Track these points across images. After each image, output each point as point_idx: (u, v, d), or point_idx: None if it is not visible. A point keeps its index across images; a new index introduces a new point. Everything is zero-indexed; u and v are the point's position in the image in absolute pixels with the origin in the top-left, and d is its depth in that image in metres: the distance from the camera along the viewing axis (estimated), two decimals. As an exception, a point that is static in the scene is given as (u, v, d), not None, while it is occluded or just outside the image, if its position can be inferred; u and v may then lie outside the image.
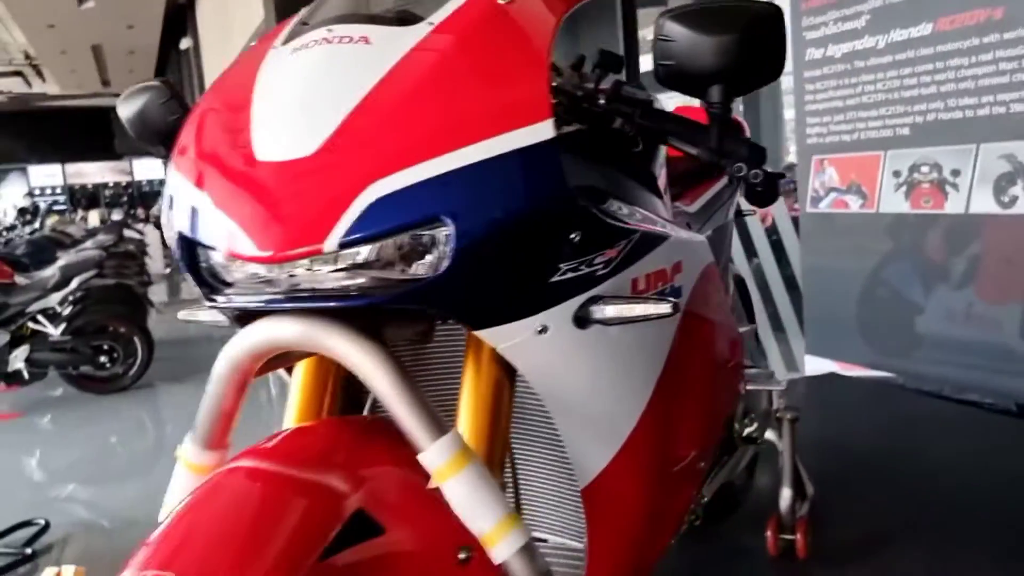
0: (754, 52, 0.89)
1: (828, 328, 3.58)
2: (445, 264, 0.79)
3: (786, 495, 1.94)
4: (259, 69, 0.89)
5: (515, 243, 0.81)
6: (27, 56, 15.63)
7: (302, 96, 0.83)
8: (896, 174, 3.22)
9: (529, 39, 0.87)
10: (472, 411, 0.91)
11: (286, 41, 0.92)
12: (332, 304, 0.80)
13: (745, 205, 4.50)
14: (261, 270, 0.81)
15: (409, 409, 0.80)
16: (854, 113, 3.35)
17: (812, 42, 3.50)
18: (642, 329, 0.99)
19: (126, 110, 1.09)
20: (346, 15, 0.91)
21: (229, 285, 0.85)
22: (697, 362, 1.21)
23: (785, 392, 2.03)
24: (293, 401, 0.99)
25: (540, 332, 0.86)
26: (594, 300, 0.90)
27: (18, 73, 17.42)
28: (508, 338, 0.86)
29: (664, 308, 0.91)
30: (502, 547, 0.80)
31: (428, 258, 0.79)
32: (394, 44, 0.85)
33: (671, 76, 0.91)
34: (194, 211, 0.84)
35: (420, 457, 0.80)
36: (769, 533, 1.92)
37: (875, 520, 2.09)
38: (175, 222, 0.86)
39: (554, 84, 1.00)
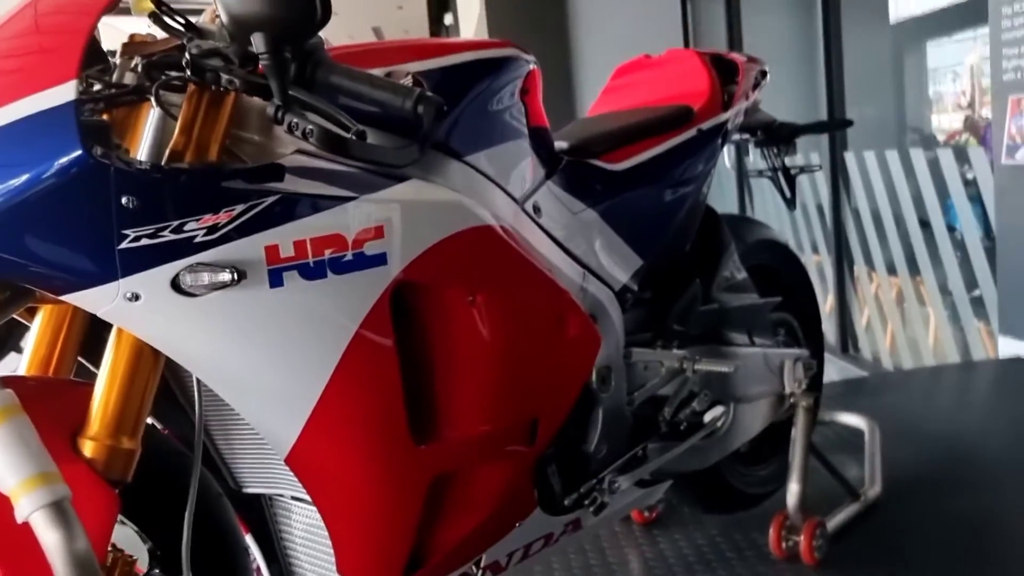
0: None
1: None
2: None
3: (793, 491, 1.69)
4: None
5: (34, 214, 0.81)
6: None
7: None
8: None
9: None
10: (109, 376, 0.92)
11: None
12: None
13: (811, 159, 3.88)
14: None
15: None
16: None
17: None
18: (321, 293, 0.93)
19: None
20: None
21: None
22: (451, 333, 1.07)
23: (809, 371, 1.76)
24: (28, 349, 1.03)
25: (132, 299, 0.84)
26: (194, 268, 0.86)
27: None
28: (96, 305, 0.85)
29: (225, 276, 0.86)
30: (24, 503, 0.78)
31: None
32: None
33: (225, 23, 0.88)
34: None
35: None
36: (772, 531, 1.68)
37: (945, 532, 1.75)
38: None
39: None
